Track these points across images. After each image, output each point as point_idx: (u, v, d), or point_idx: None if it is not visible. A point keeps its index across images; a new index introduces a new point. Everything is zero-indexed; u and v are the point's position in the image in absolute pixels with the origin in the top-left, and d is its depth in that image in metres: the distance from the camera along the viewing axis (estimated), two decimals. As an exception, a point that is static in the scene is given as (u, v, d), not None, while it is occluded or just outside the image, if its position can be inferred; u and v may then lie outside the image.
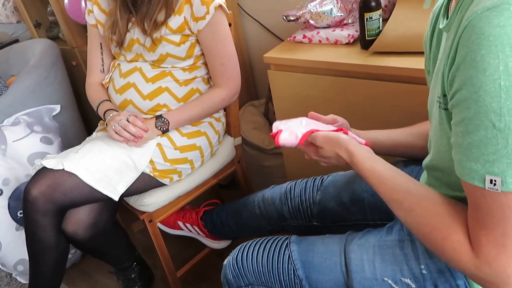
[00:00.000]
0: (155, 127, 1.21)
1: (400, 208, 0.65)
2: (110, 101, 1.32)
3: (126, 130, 1.16)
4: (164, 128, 1.22)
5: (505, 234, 0.50)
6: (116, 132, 1.17)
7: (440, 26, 0.64)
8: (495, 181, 0.49)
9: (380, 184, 0.69)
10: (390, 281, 0.72)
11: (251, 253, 0.87)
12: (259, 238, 0.90)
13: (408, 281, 0.70)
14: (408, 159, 0.95)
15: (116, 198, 1.16)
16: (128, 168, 1.17)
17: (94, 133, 1.38)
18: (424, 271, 0.70)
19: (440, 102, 0.60)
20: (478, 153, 0.50)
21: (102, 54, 1.36)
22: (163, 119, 1.22)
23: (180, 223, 1.40)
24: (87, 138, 1.37)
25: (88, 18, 1.32)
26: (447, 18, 0.63)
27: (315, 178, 1.06)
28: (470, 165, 0.51)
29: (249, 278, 0.86)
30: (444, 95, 0.58)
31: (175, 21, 1.16)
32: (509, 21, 0.46)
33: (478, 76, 0.48)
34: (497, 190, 0.49)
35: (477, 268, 0.54)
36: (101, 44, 1.34)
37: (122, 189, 1.17)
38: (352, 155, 0.75)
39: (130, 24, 1.21)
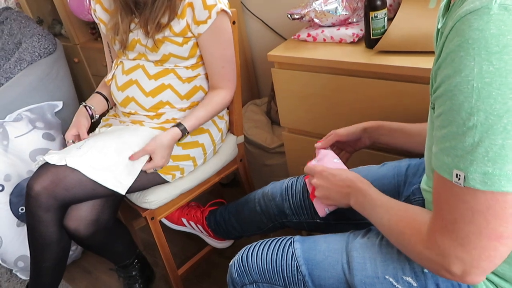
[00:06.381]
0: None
1: (377, 216, 0.73)
2: (103, 95, 1.36)
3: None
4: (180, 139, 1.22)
5: (454, 222, 0.55)
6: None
7: (438, 26, 0.66)
8: (459, 175, 0.52)
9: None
10: (391, 279, 0.72)
11: (256, 252, 0.88)
12: (264, 239, 0.91)
13: (409, 279, 0.71)
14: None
15: (123, 192, 1.14)
16: (132, 162, 1.17)
17: (97, 129, 1.38)
18: (425, 270, 0.70)
19: (431, 102, 0.63)
20: (449, 147, 0.53)
21: (110, 53, 1.38)
22: (184, 129, 1.20)
23: (184, 220, 1.39)
24: (90, 134, 1.36)
25: (94, 17, 1.32)
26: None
27: None
28: (443, 158, 0.54)
29: (254, 275, 0.86)
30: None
31: (178, 25, 1.16)
32: (487, 25, 0.47)
33: (455, 76, 0.51)
34: (461, 184, 0.52)
35: (428, 249, 0.59)
36: (108, 43, 1.36)
37: (129, 182, 1.15)
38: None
39: (133, 25, 1.21)
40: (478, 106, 0.48)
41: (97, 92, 1.38)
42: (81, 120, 1.28)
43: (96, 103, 1.35)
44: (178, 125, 1.19)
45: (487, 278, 0.66)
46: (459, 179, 0.52)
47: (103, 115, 1.42)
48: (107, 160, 1.14)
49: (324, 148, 1.00)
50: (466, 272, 0.55)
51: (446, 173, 0.54)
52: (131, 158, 1.15)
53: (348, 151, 1.06)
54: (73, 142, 1.25)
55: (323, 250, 0.81)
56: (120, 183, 1.14)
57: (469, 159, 0.50)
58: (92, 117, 1.32)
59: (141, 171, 1.19)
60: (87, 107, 1.32)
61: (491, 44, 0.47)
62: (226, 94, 1.27)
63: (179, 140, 1.21)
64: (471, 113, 0.49)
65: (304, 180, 1.05)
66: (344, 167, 0.93)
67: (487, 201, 0.51)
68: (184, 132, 1.19)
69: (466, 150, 0.50)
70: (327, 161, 0.95)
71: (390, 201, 0.72)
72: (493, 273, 0.65)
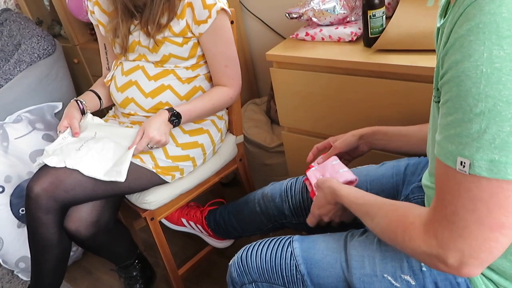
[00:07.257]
0: (168, 121, 1.16)
1: (368, 219, 0.72)
2: (95, 92, 1.35)
3: None
4: (175, 122, 1.18)
5: (455, 212, 0.53)
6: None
7: (437, 25, 0.65)
8: (464, 163, 0.50)
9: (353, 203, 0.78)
10: (390, 278, 0.72)
11: (255, 251, 0.88)
12: (263, 239, 0.91)
13: (408, 278, 0.71)
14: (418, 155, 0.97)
15: (123, 179, 1.12)
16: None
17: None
18: (424, 268, 0.70)
19: (434, 96, 0.62)
20: (454, 135, 0.51)
21: (106, 54, 1.37)
22: (175, 112, 1.17)
23: (184, 220, 1.40)
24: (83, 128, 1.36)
25: (91, 18, 1.32)
26: (444, 18, 0.63)
27: None
28: (447, 145, 0.52)
29: (253, 275, 0.86)
30: (438, 89, 0.58)
31: (177, 26, 1.16)
32: (499, 9, 0.46)
33: (463, 61, 0.49)
34: (465, 172, 0.50)
35: (425, 242, 0.57)
36: (104, 44, 1.35)
37: (125, 167, 1.13)
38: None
39: (132, 27, 1.21)
40: (486, 92, 0.47)
41: (90, 90, 1.38)
42: (72, 111, 1.27)
43: (88, 99, 1.34)
44: (168, 108, 1.18)
45: (485, 276, 0.65)
46: (463, 166, 0.50)
47: (105, 113, 1.42)
48: (105, 160, 1.14)
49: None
50: (464, 264, 0.54)
51: (450, 161, 0.52)
52: (130, 147, 1.15)
53: (346, 159, 1.07)
54: (66, 133, 1.24)
55: (322, 249, 0.81)
56: (116, 172, 1.13)
57: (475, 146, 0.49)
58: (83, 112, 1.31)
59: (141, 170, 1.19)
60: (78, 101, 1.30)
61: (502, 28, 0.46)
62: (228, 91, 1.27)
63: (173, 123, 1.17)
64: (479, 99, 0.47)
65: (304, 182, 1.06)
66: (344, 166, 0.95)
67: (491, 189, 0.49)
68: (172, 110, 1.16)
69: (472, 137, 0.49)
70: (326, 167, 0.98)
71: (376, 201, 0.72)
72: (492, 270, 0.64)
